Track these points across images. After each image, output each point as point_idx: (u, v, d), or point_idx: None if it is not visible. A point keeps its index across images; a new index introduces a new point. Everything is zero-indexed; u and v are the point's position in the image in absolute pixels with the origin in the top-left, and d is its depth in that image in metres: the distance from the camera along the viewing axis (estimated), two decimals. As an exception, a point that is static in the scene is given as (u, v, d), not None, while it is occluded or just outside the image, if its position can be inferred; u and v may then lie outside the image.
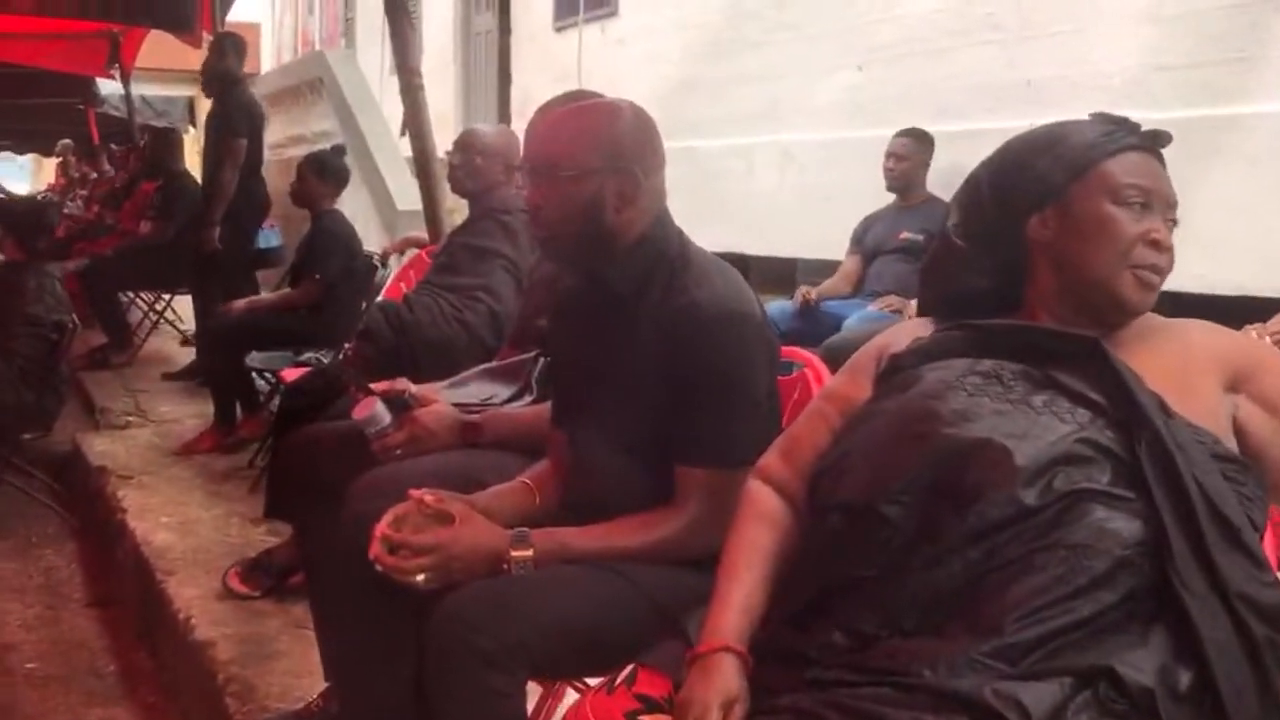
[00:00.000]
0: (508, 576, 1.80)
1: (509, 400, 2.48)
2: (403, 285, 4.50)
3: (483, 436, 2.36)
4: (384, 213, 7.28)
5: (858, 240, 5.06)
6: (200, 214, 6.05)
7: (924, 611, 1.32)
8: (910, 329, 1.66)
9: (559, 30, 8.60)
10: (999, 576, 1.29)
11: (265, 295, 5.45)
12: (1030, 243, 1.57)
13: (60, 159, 13.42)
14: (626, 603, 1.78)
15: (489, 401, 2.49)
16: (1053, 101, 4.72)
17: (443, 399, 2.43)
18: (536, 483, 2.07)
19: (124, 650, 3.66)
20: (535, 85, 8.53)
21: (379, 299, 3.55)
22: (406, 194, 7.33)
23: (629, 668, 1.56)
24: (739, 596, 1.51)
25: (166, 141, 7.11)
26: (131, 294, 7.51)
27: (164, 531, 4.01)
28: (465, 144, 3.53)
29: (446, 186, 4.94)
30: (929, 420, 1.40)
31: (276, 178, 6.61)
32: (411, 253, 4.83)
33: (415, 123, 4.75)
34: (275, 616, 3.29)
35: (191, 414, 5.72)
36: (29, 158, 18.69)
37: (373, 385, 2.50)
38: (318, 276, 4.86)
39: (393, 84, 8.95)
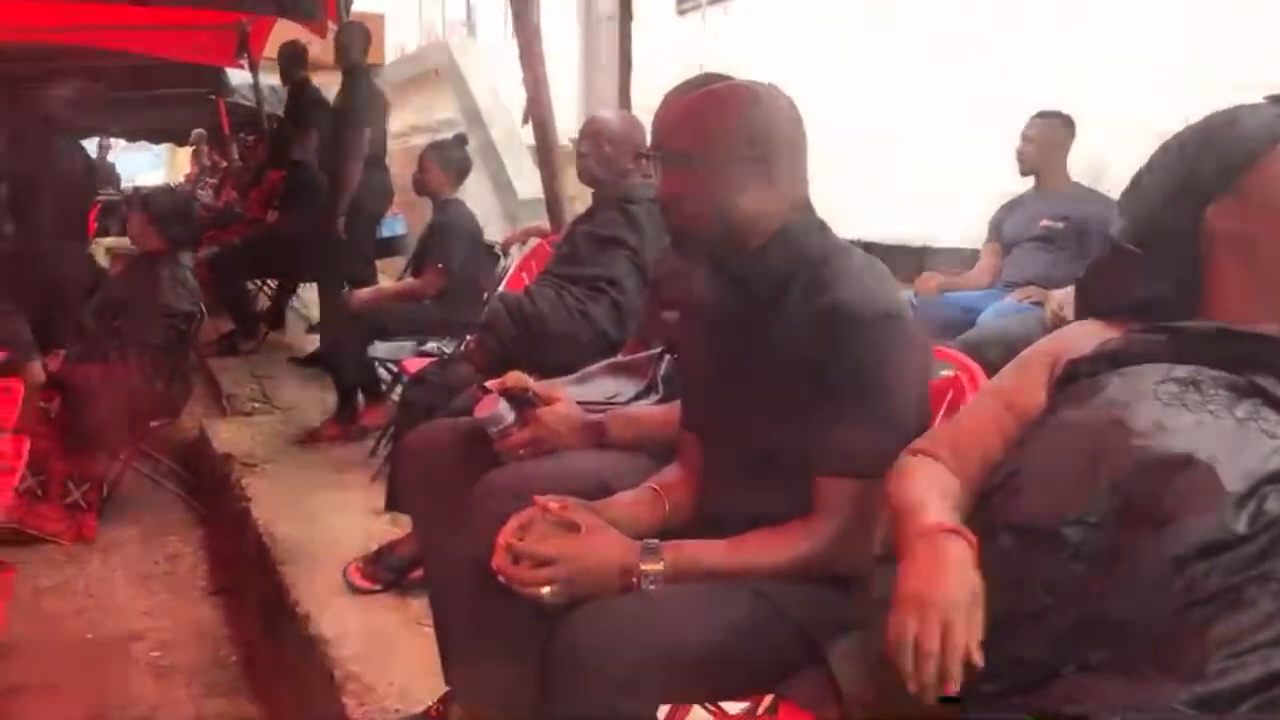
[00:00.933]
0: (637, 592, 1.69)
1: (634, 399, 2.37)
2: (524, 275, 4.44)
3: (608, 437, 2.26)
4: (505, 202, 7.25)
5: (996, 227, 4.83)
6: (324, 203, 6.07)
7: (1111, 646, 1.17)
8: (1086, 332, 1.50)
9: (682, 13, 8.46)
10: (1200, 612, 1.14)
11: (388, 284, 5.43)
12: (1211, 236, 1.41)
13: (194, 149, 13.72)
14: (764, 624, 1.66)
15: (613, 400, 2.38)
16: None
17: (566, 396, 2.33)
18: (666, 489, 1.95)
19: (246, 641, 3.66)
20: (657, 71, 8.39)
21: (500, 290, 3.48)
22: (528, 183, 7.30)
23: (768, 699, 1.44)
24: (937, 498, 1.41)
25: (291, 132, 7.17)
26: (259, 282, 7.62)
27: (286, 522, 4.00)
28: (593, 131, 3.43)
29: (568, 175, 4.88)
30: (1118, 432, 1.25)
31: (400, 167, 6.60)
32: (533, 242, 4.75)
33: (538, 110, 4.66)
34: (396, 612, 3.24)
35: (316, 401, 5.74)
36: (164, 147, 19.19)
37: (493, 382, 2.42)
38: (440, 266, 4.82)
39: (515, 73, 8.91)
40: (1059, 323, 4.14)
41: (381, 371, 5.09)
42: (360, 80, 6.00)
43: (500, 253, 4.82)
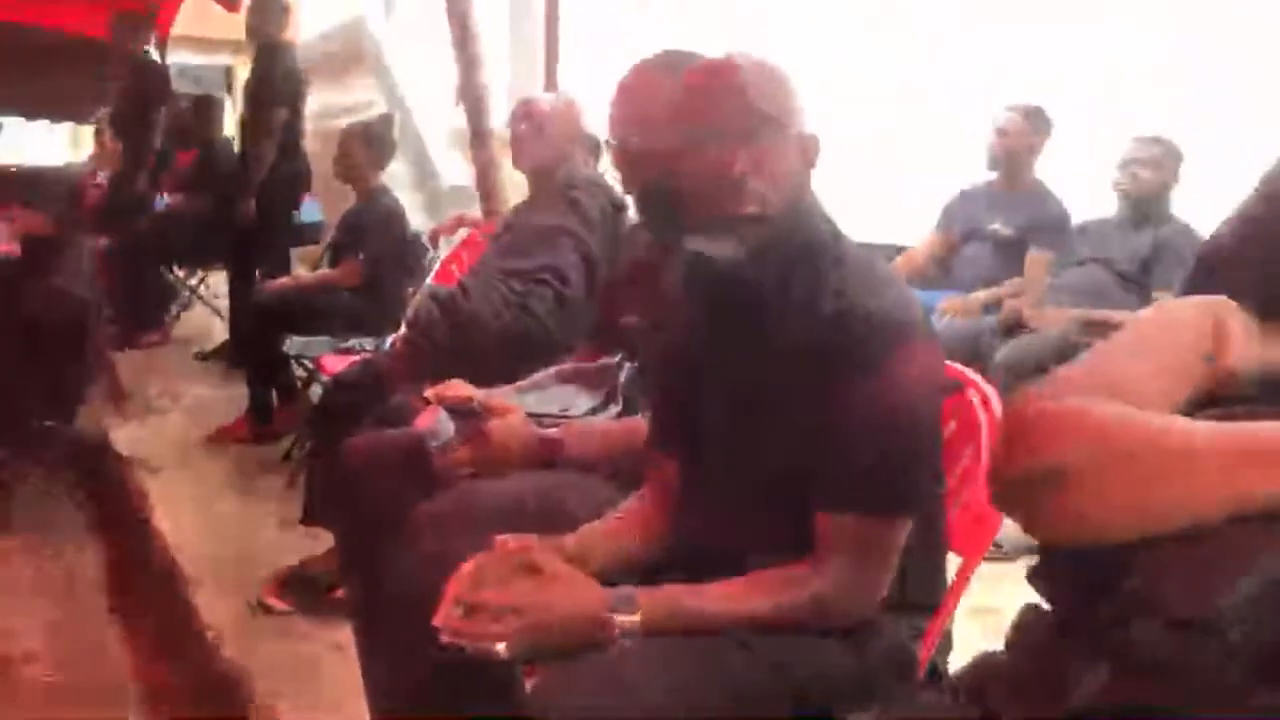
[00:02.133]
0: (610, 648, 1.44)
1: (592, 411, 2.11)
2: (454, 268, 4.15)
3: (564, 454, 2.01)
4: (427, 189, 6.92)
5: (948, 214, 4.61)
6: (236, 186, 5.75)
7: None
8: (1239, 322, 1.08)
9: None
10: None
11: (303, 274, 5.10)
12: None
13: (96, 128, 13.12)
14: (759, 684, 1.42)
15: (568, 412, 2.12)
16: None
17: (516, 408, 2.06)
18: (636, 520, 1.71)
19: (148, 665, 3.34)
20: (589, 53, 8.10)
21: (428, 284, 3.20)
22: (453, 169, 6.99)
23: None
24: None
25: (206, 108, 6.77)
26: (164, 269, 7.19)
27: (193, 533, 3.69)
28: (526, 113, 3.16)
29: (503, 161, 4.59)
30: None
31: (318, 149, 6.25)
32: (463, 233, 4.46)
33: (471, 92, 4.37)
34: (314, 638, 2.97)
35: (225, 398, 5.38)
36: (65, 126, 18.42)
37: (431, 390, 2.15)
38: (361, 256, 4.52)
39: (436, 53, 8.56)
40: (1015, 327, 3.96)
41: (297, 369, 4.77)
42: (276, 56, 5.67)
43: (428, 244, 4.51)
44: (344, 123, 8.52)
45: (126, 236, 6.41)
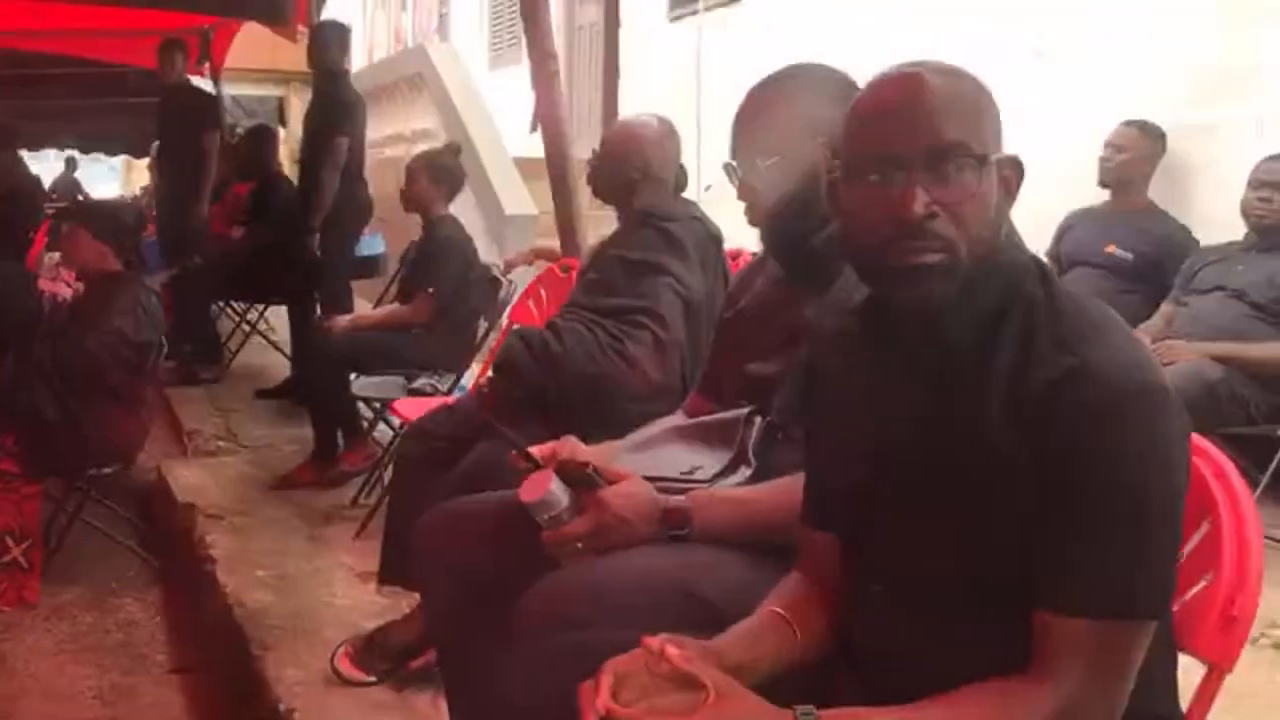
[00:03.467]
0: (791, 784, 1.18)
1: (720, 475, 1.85)
2: (531, 304, 3.93)
3: (691, 527, 1.75)
4: (490, 218, 6.70)
5: (1058, 238, 4.33)
6: (297, 218, 5.61)
7: None
8: None
9: (674, 20, 7.97)
10: None
11: (371, 311, 4.90)
12: None
13: (151, 161, 13.09)
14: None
15: (692, 476, 1.87)
16: None
17: (633, 473, 1.81)
18: (795, 613, 1.45)
19: (213, 733, 3.12)
20: (648, 82, 7.91)
21: (517, 326, 2.97)
22: (515, 197, 6.79)
23: None
24: None
25: (261, 140, 6.61)
26: (222, 304, 7.05)
27: (259, 589, 3.47)
28: (618, 138, 2.93)
29: (584, 191, 4.37)
30: None
31: (375, 179, 6.08)
32: (540, 265, 4.24)
33: (550, 116, 4.14)
34: (394, 710, 2.72)
35: (288, 439, 5.20)
36: (120, 159, 18.49)
37: (541, 449, 1.91)
38: (431, 291, 4.30)
39: (494, 79, 8.36)
40: None
41: (363, 408, 4.56)
42: (338, 85, 5.51)
43: (500, 277, 4.29)
44: (402, 151, 8.43)
45: (183, 270, 6.26)
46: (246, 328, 6.82)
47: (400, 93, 8.49)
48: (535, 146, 9.42)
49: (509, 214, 6.60)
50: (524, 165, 7.18)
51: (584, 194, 3.81)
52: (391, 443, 4.22)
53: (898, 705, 1.23)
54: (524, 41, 10.65)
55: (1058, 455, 1.18)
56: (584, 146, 9.13)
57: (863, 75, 1.42)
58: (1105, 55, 4.72)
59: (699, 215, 2.87)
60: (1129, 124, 4.26)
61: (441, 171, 4.44)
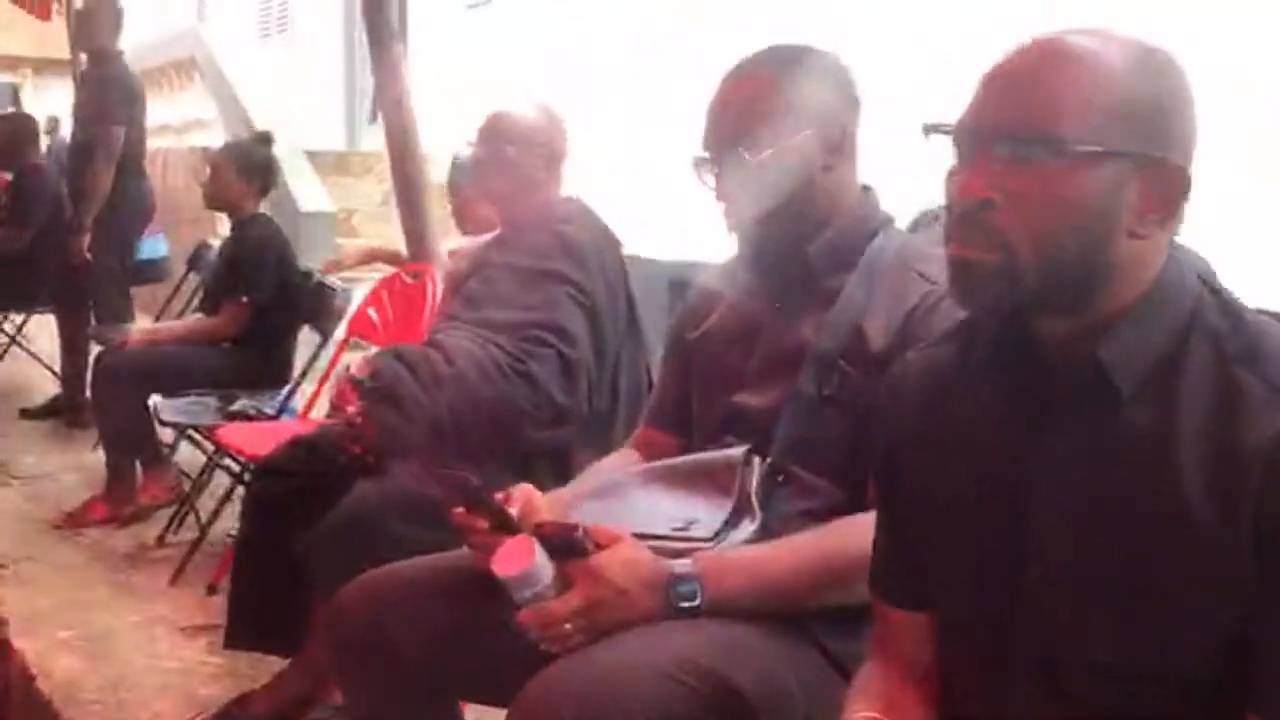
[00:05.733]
0: None
1: (723, 530, 1.55)
2: (373, 313, 3.52)
3: (703, 597, 1.45)
4: (284, 217, 6.15)
5: None
6: (62, 217, 5.08)
7: None
8: None
9: (472, 7, 7.57)
10: None
11: (170, 324, 4.35)
12: None
13: None
14: None
15: (689, 533, 1.56)
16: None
17: (626, 534, 1.50)
18: (896, 715, 1.17)
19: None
20: (442, 65, 7.49)
21: (392, 345, 2.57)
22: (311, 193, 6.27)
23: None
24: None
25: (19, 129, 5.86)
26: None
27: (66, 653, 2.96)
28: (502, 129, 2.58)
29: (433, 189, 3.98)
30: None
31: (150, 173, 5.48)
32: (379, 272, 3.82)
33: (397, 111, 3.71)
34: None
35: (66, 466, 4.60)
36: None
37: (512, 500, 1.58)
38: (245, 299, 3.81)
39: (268, 59, 7.73)
40: None
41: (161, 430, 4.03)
42: (111, 67, 4.94)
43: (330, 283, 3.83)
44: (171, 142, 7.73)
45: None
46: (4, 338, 6.04)
47: (168, 79, 7.79)
48: (330, 138, 8.92)
49: (305, 211, 6.08)
50: (317, 159, 6.69)
51: (435, 192, 3.45)
52: (204, 472, 3.74)
53: None
54: (293, 20, 10.05)
55: (1269, 523, 0.95)
56: (372, 138, 8.70)
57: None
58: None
59: (594, 216, 2.57)
60: None
61: (251, 165, 3.95)
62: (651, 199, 4.48)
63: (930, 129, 1.09)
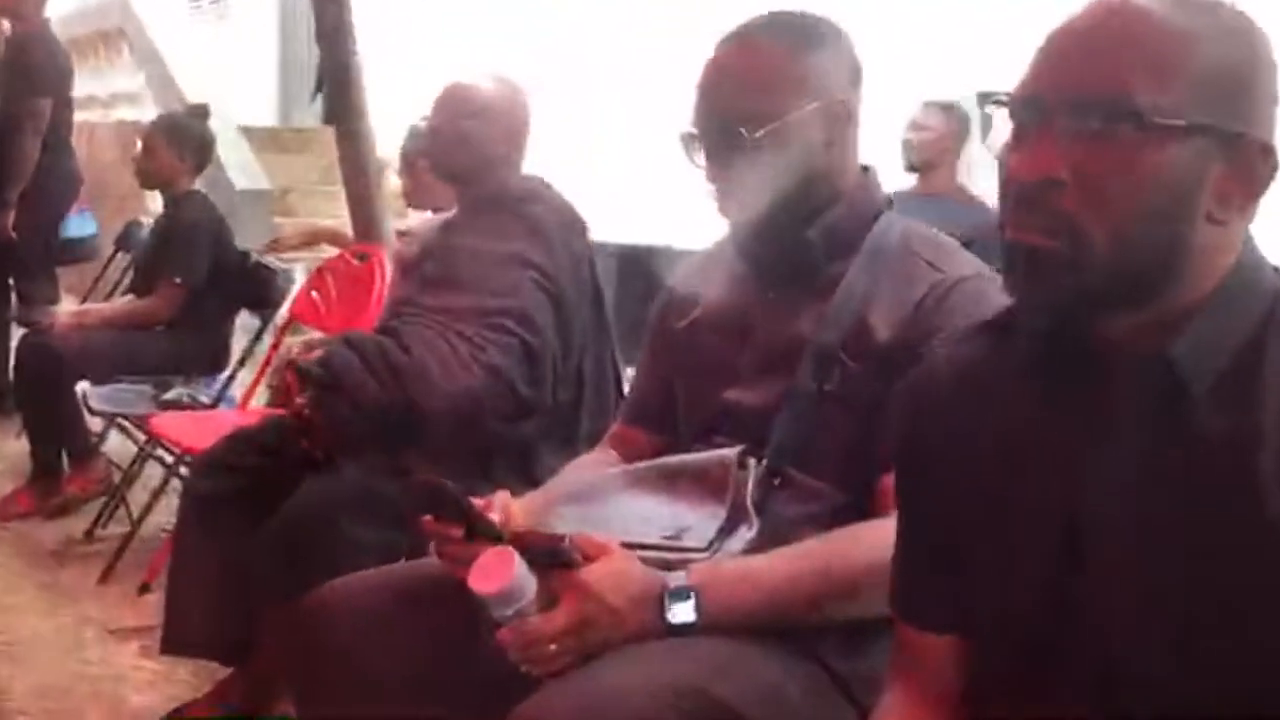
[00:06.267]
0: None
1: (718, 538, 1.43)
2: (316, 296, 3.35)
3: (700, 614, 1.33)
4: (216, 194, 5.93)
5: None
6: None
7: None
8: None
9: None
10: None
11: (100, 306, 4.13)
12: None
13: None
14: None
15: (681, 542, 1.43)
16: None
17: (615, 545, 1.37)
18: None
19: None
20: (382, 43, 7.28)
21: (343, 333, 2.41)
22: (246, 171, 6.05)
23: None
24: None
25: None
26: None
27: (-11, 657, 2.78)
28: (460, 100, 2.43)
29: (382, 166, 3.80)
30: None
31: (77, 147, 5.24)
32: (322, 253, 3.65)
33: (339, 73, 3.53)
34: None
35: (-13, 457, 4.38)
36: None
37: (489, 506, 1.45)
38: (178, 281, 3.62)
39: (200, 30, 7.46)
40: None
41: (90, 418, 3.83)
42: (34, 39, 4.69)
43: (270, 264, 3.65)
44: (97, 116, 7.44)
45: None
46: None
47: (95, 49, 7.49)
48: (263, 114, 8.65)
49: (240, 189, 5.86)
50: (251, 135, 6.47)
51: (380, 169, 3.29)
52: (135, 462, 3.55)
53: None
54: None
55: None
56: (308, 113, 8.46)
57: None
58: (906, 34, 4.55)
59: (558, 196, 2.43)
60: (930, 104, 4.14)
61: (186, 140, 3.76)
62: (598, 179, 4.36)
63: (984, 99, 0.97)
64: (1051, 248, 0.92)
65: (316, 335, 3.57)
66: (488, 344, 2.20)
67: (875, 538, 1.31)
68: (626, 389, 2.15)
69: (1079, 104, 0.91)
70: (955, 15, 4.38)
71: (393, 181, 3.86)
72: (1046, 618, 1.00)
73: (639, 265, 4.91)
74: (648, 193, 4.88)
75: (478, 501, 1.47)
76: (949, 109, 4.12)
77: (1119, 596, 0.96)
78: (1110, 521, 0.96)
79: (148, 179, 3.81)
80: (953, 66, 4.27)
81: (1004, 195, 0.96)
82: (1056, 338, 0.98)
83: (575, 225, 2.40)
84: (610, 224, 4.43)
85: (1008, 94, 0.96)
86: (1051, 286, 0.93)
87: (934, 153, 4.11)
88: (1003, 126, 1.02)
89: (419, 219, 3.32)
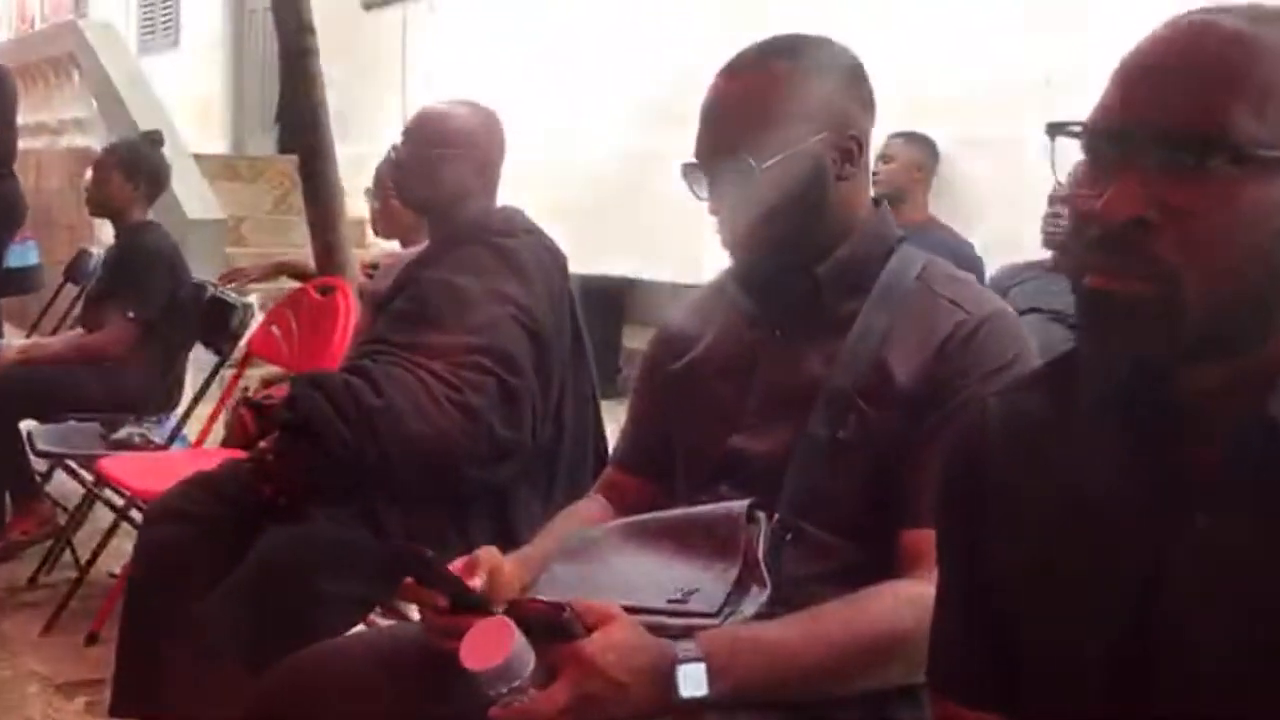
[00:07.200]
0: None
1: (731, 600, 1.32)
2: (276, 331, 3.21)
3: (712, 688, 1.21)
4: (168, 223, 5.76)
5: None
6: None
7: None
8: None
9: (368, 8, 7.25)
10: None
11: (46, 340, 3.97)
12: None
13: None
14: None
15: (688, 606, 1.32)
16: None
17: (619, 613, 1.25)
18: None
19: None
20: (338, 73, 7.17)
21: (306, 372, 2.28)
22: (199, 200, 5.89)
23: None
24: None
25: None
26: None
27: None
28: (419, 131, 2.32)
29: (344, 198, 3.68)
30: None
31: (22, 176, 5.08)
32: (284, 285, 3.51)
33: (306, 104, 3.41)
34: None
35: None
36: None
37: (473, 573, 1.33)
38: (131, 315, 3.47)
39: (145, 66, 7.36)
40: None
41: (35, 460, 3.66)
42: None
43: (228, 297, 3.50)
44: (44, 144, 7.26)
45: None
46: None
47: (44, 77, 7.31)
48: (214, 142, 8.49)
49: (192, 219, 5.69)
50: (205, 163, 6.33)
51: (348, 203, 3.17)
52: (82, 504, 3.39)
53: None
54: (180, 23, 9.62)
55: None
56: (261, 142, 8.32)
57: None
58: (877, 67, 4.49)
59: (535, 229, 2.32)
60: (895, 135, 4.11)
61: (139, 167, 3.62)
62: (560, 208, 4.27)
63: (1055, 129, 0.87)
64: (1143, 294, 0.82)
65: (275, 370, 3.44)
66: (464, 384, 2.08)
67: (899, 600, 1.22)
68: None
69: (1168, 137, 0.81)
70: (925, 49, 4.31)
71: (353, 209, 3.74)
72: (1115, 698, 0.90)
73: (605, 295, 4.83)
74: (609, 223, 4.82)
75: (458, 563, 1.36)
76: (913, 138, 4.11)
77: (1202, 675, 0.86)
78: (1195, 596, 0.86)
79: (99, 207, 3.67)
80: (925, 102, 4.20)
81: (1079, 238, 0.86)
82: (1136, 390, 0.88)
83: (555, 259, 2.30)
84: (573, 253, 4.36)
85: (1082, 124, 0.86)
86: (1142, 337, 0.83)
87: (904, 182, 4.08)
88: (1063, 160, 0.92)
89: (382, 250, 3.20)
